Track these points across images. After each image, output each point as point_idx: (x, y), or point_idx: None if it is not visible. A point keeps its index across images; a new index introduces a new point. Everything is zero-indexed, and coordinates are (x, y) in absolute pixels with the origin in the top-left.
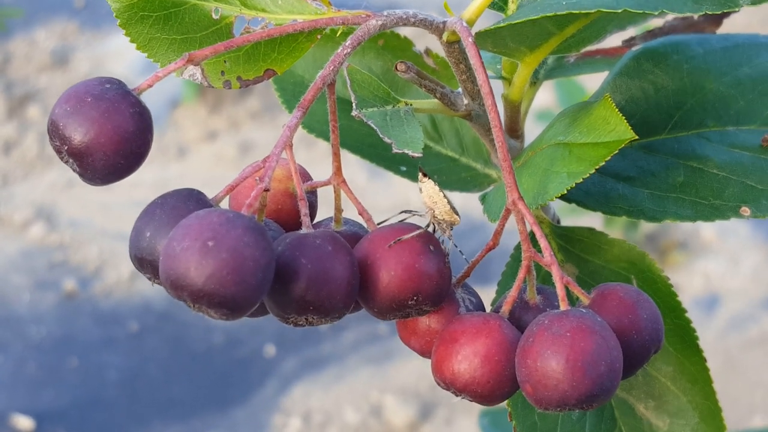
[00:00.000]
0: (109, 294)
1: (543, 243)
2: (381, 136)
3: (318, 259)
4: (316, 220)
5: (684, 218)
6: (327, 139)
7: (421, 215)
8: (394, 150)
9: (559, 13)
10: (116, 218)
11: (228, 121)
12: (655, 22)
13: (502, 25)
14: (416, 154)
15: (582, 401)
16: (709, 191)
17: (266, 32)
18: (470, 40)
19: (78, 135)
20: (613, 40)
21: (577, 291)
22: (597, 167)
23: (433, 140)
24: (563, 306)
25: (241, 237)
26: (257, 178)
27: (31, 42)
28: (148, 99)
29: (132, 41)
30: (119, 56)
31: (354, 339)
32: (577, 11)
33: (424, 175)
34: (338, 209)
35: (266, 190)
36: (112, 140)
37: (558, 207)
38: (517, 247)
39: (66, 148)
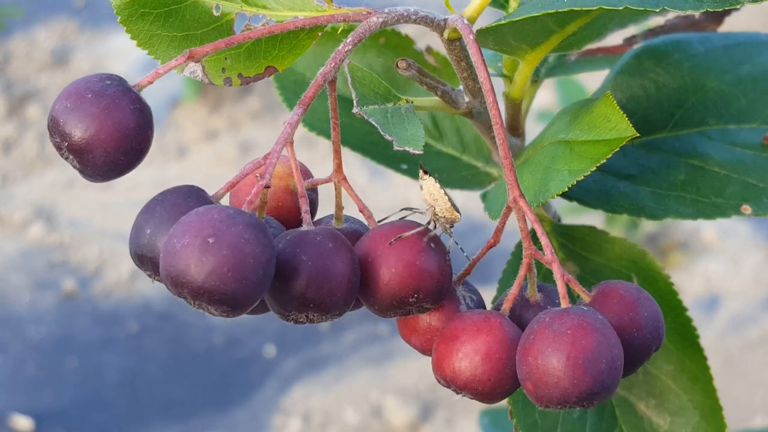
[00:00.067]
0: (108, 294)
1: (544, 240)
2: (382, 133)
3: (319, 257)
4: (316, 218)
5: (685, 216)
6: (328, 136)
7: (421, 213)
8: (395, 147)
9: (560, 10)
10: (116, 218)
11: (228, 120)
12: (657, 21)
13: (503, 22)
14: (417, 152)
15: (583, 399)
16: (710, 189)
17: (267, 29)
18: (471, 37)
19: (78, 131)
20: (615, 39)
21: (578, 289)
22: (598, 165)
23: (434, 138)
24: (564, 303)
25: (241, 234)
26: (258, 175)
27: (31, 41)
28: (147, 98)
29: (133, 38)
30: (119, 56)
31: (354, 339)
32: (578, 8)
33: (425, 172)
34: (339, 206)
35: (267, 186)
36: (113, 137)
37: (559, 207)
38: (518, 245)
39: (66, 144)
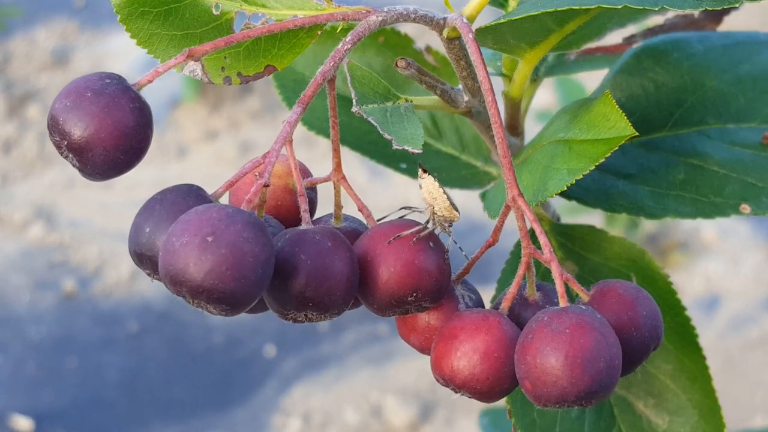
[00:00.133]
0: (108, 294)
1: (543, 240)
2: (381, 132)
3: (317, 255)
4: (315, 217)
5: (684, 215)
6: (327, 136)
7: (420, 212)
8: (394, 146)
9: (559, 9)
10: (116, 218)
11: (228, 120)
12: (656, 20)
13: (502, 21)
14: (416, 151)
15: (581, 398)
16: (709, 189)
17: (266, 28)
18: (471, 36)
19: (78, 130)
20: (614, 38)
21: (577, 288)
22: (597, 164)
23: (434, 138)
24: (562, 303)
25: (240, 232)
26: (257, 173)
27: (31, 41)
28: (147, 99)
29: (132, 37)
30: (119, 56)
31: (354, 339)
32: (577, 7)
33: (424, 171)
34: (338, 205)
35: (266, 185)
36: (112, 135)
37: (558, 206)
38: (517, 245)
39: (66, 143)
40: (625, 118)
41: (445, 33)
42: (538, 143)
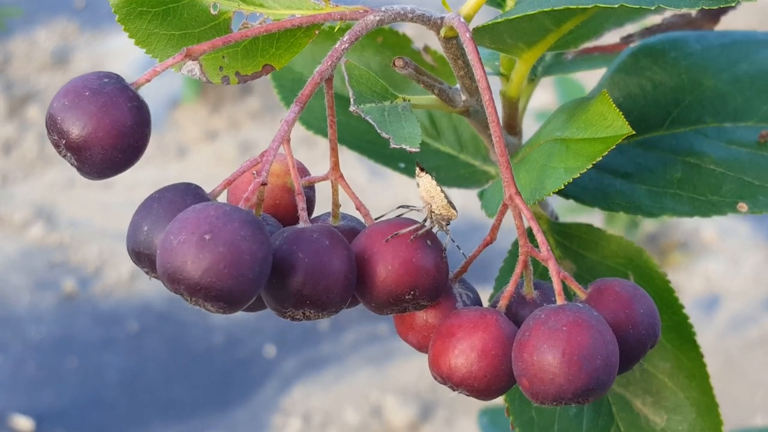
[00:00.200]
0: (108, 294)
1: (540, 238)
2: (379, 131)
3: (315, 254)
4: (314, 216)
5: (681, 214)
6: (325, 135)
7: (418, 210)
8: (392, 145)
9: (556, 8)
10: (116, 218)
11: (228, 121)
12: (653, 19)
13: (499, 20)
14: (414, 150)
15: (578, 395)
16: (706, 187)
17: (264, 27)
18: (468, 35)
19: (76, 129)
20: (611, 37)
21: (574, 286)
22: (594, 163)
23: (432, 137)
24: (560, 301)
25: (238, 230)
26: (255, 172)
27: (31, 42)
28: (147, 98)
29: (131, 36)
30: (119, 56)
31: (354, 339)
32: (574, 6)
33: (422, 169)
34: (336, 204)
35: (263, 184)
36: (110, 134)
37: (558, 207)
38: (515, 244)
39: (64, 142)
40: (622, 116)
41: (442, 32)
42: (535, 142)
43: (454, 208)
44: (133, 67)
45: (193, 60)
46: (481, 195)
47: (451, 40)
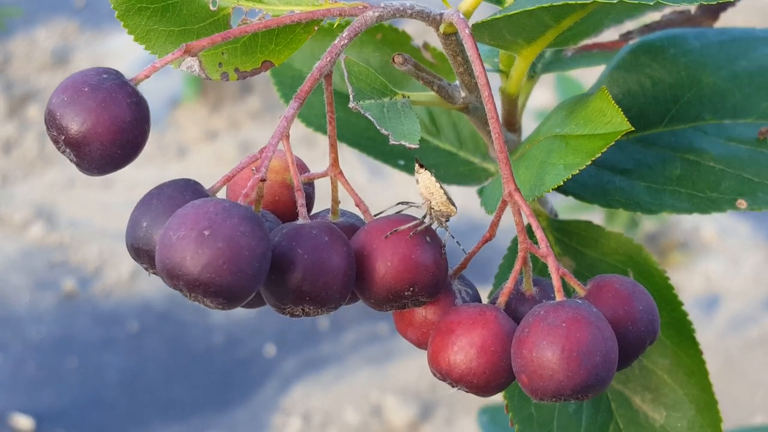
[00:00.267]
0: (108, 294)
1: (539, 234)
2: (378, 128)
3: (314, 250)
4: (313, 212)
5: (680, 211)
6: (324, 132)
7: (417, 206)
8: (391, 142)
9: (555, 3)
10: (116, 218)
11: (228, 120)
12: (653, 16)
13: (498, 16)
14: (413, 146)
15: (577, 391)
16: (705, 184)
17: (263, 23)
18: (467, 31)
19: (75, 125)
20: (611, 35)
21: (573, 282)
22: (593, 159)
23: (431, 134)
24: (559, 297)
25: (237, 226)
26: (254, 168)
27: (31, 41)
28: (148, 98)
29: (130, 33)
30: (120, 56)
31: (354, 339)
32: (573, 2)
33: (421, 166)
34: (335, 200)
35: (263, 180)
36: (109, 130)
37: (558, 205)
38: (515, 240)
39: (63, 137)
40: (621, 113)
41: (441, 29)
42: (535, 139)
43: (454, 205)
44: (134, 66)
45: (192, 56)
46: (480, 192)
47: (451, 37)
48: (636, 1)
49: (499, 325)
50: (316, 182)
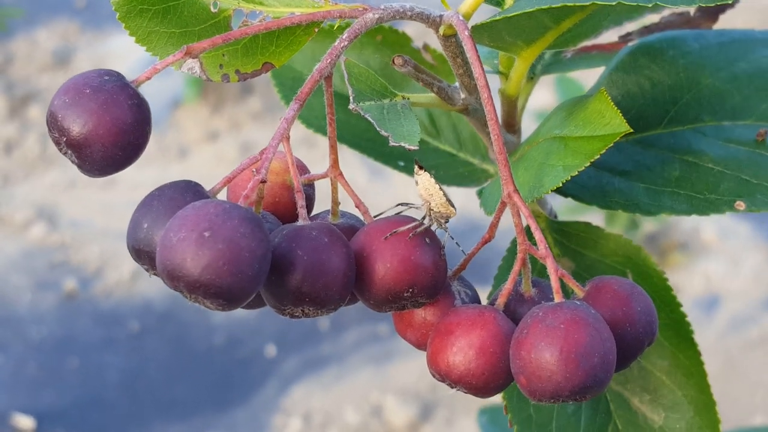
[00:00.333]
0: (109, 294)
1: (538, 235)
2: (378, 129)
3: (314, 251)
4: (313, 213)
5: (679, 212)
6: (325, 133)
7: (417, 208)
8: (391, 143)
9: (554, 5)
10: (117, 218)
11: (229, 121)
12: (652, 18)
13: (498, 18)
14: (412, 147)
15: (575, 392)
16: (704, 185)
17: (264, 25)
18: (467, 33)
19: (76, 126)
20: (610, 36)
21: (572, 284)
22: (592, 160)
23: (431, 136)
24: (557, 298)
25: (237, 228)
26: (254, 170)
27: (32, 42)
28: (149, 99)
29: (131, 35)
30: (120, 56)
31: (354, 339)
32: (572, 4)
33: (420, 167)
34: (335, 202)
35: (263, 181)
36: (111, 132)
37: (558, 206)
38: (514, 241)
39: (65, 139)
40: (620, 115)
41: (441, 30)
42: (534, 140)
43: (453, 206)
44: (135, 67)
45: (193, 58)
46: (479, 193)
47: (450, 38)
48: (634, 2)
49: (497, 327)
50: (317, 183)
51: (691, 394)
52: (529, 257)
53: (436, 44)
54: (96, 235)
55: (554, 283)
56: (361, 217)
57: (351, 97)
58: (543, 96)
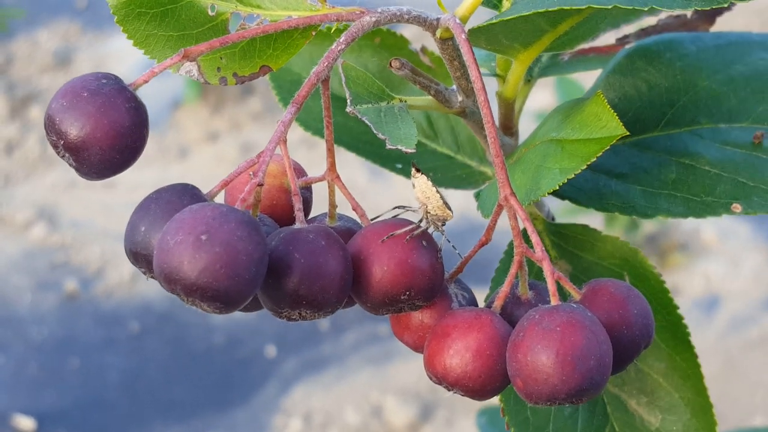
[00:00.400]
0: (110, 295)
1: (534, 238)
2: (375, 132)
3: (311, 254)
4: (311, 216)
5: (676, 215)
6: (323, 136)
7: (414, 211)
8: (388, 146)
9: (550, 9)
10: (118, 219)
11: (229, 122)
12: (649, 21)
13: (494, 21)
14: (409, 150)
15: (572, 395)
16: (700, 188)
17: (261, 28)
18: (463, 36)
19: (74, 130)
20: (607, 39)
21: (569, 286)
22: (589, 163)
23: (429, 138)
24: (554, 301)
25: (234, 231)
26: (251, 173)
27: (33, 43)
28: (149, 99)
29: (129, 38)
30: (121, 57)
31: (355, 340)
32: (568, 7)
33: (417, 170)
34: (332, 205)
35: (260, 185)
36: (108, 135)
37: (557, 207)
38: (511, 244)
39: (62, 142)
40: (617, 117)
41: (438, 33)
42: (531, 143)
43: (450, 209)
44: (136, 68)
45: (190, 61)
46: (477, 196)
47: (447, 42)
48: (630, 6)
49: (494, 329)
50: (315, 186)
51: (688, 396)
52: (526, 260)
53: (434, 47)
54: (97, 235)
55: (551, 286)
56: (359, 220)
57: (348, 101)
58: (543, 97)
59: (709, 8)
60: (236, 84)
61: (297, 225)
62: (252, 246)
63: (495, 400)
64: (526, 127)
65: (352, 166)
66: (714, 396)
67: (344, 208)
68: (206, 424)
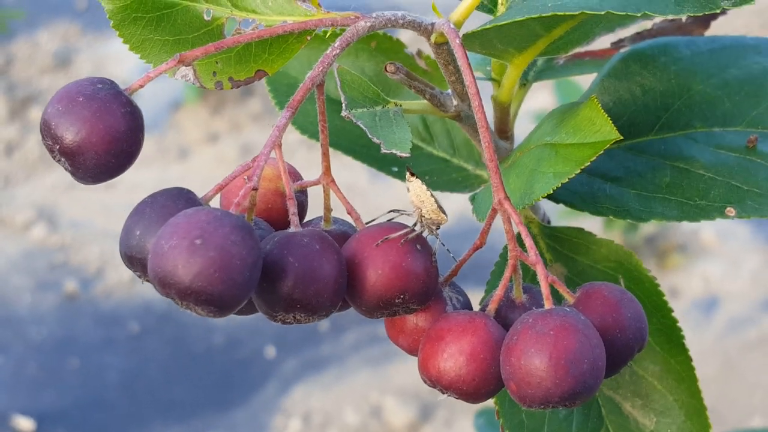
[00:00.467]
0: (109, 295)
1: (528, 242)
2: (370, 136)
3: (305, 258)
4: (306, 219)
5: (670, 218)
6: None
7: (408, 214)
8: (383, 150)
9: (544, 14)
10: (117, 219)
11: (229, 122)
12: (644, 24)
13: (488, 26)
14: (404, 154)
15: (565, 399)
16: (695, 192)
17: (256, 33)
18: (457, 41)
19: (69, 134)
20: (603, 42)
21: (562, 290)
22: (583, 167)
23: (425, 141)
24: (548, 305)
25: (228, 235)
26: (246, 177)
27: (33, 44)
28: (149, 100)
29: (125, 42)
30: (121, 59)
31: (354, 340)
32: (561, 13)
33: (412, 174)
34: (327, 208)
35: (255, 189)
36: (104, 140)
37: (556, 210)
38: (506, 247)
39: (58, 147)
40: (610, 122)
41: (432, 38)
42: (525, 147)
43: (444, 213)
44: (136, 69)
45: (186, 65)
46: (472, 199)
47: (442, 46)
48: (622, 12)
49: (488, 333)
50: (310, 190)
51: (683, 398)
52: (522, 263)
53: (429, 50)
54: (96, 236)
55: (544, 290)
56: (354, 224)
57: (344, 105)
58: (542, 99)
59: (701, 13)
60: (232, 88)
61: (292, 229)
62: (246, 250)
63: (493, 402)
64: (524, 128)
65: (353, 168)
66: (712, 397)
67: (340, 212)
68: (206, 424)
